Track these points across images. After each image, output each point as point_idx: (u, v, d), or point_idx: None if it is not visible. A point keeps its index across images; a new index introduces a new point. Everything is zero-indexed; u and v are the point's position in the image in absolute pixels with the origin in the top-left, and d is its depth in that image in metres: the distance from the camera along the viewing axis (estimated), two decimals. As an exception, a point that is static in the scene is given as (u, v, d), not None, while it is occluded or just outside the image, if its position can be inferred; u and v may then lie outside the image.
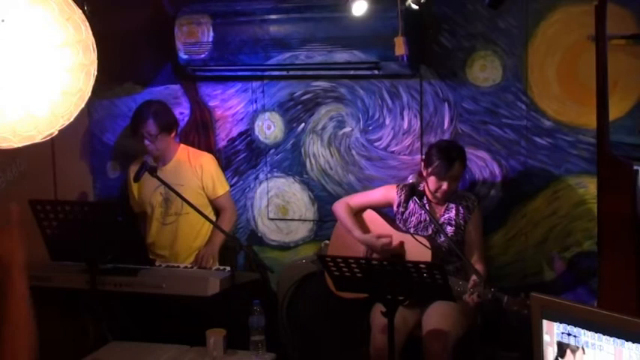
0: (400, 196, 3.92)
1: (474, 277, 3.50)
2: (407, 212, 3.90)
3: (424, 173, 3.78)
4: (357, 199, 4.07)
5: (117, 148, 4.71)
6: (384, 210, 4.05)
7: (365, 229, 3.96)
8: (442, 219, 3.82)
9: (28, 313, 1.91)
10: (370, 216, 4.02)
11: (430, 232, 3.83)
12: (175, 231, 4.26)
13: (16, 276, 1.90)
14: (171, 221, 4.26)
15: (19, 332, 1.90)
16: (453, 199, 3.84)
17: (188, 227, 4.26)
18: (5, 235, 1.95)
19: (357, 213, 4.03)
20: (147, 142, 4.11)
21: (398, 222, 3.93)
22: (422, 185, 3.77)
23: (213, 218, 4.26)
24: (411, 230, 3.86)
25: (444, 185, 3.72)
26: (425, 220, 3.83)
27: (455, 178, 3.74)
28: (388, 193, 3.98)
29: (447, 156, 3.70)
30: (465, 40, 4.08)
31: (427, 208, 3.75)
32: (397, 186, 3.97)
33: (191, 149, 4.36)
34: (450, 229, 3.79)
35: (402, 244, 3.78)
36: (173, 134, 4.23)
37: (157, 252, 4.25)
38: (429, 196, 3.79)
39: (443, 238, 3.78)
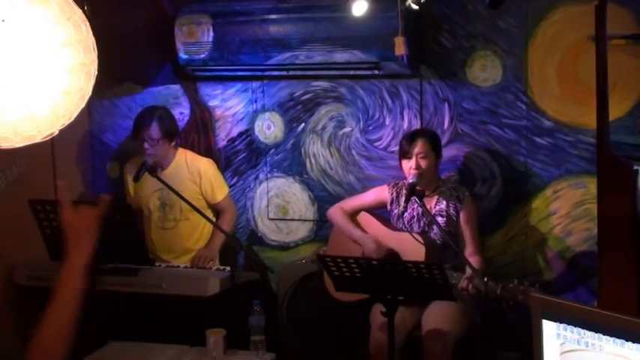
0: (392, 194, 3.95)
1: (468, 269, 3.51)
2: (400, 209, 3.91)
3: (400, 163, 3.88)
4: (351, 203, 4.09)
5: (118, 149, 4.72)
6: (377, 211, 4.06)
7: (362, 231, 3.98)
8: (433, 211, 3.84)
9: (79, 290, 1.95)
10: (364, 218, 4.03)
11: (422, 225, 3.84)
12: (176, 235, 4.26)
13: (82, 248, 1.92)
14: (171, 226, 4.26)
15: (65, 310, 1.93)
16: (442, 191, 3.86)
17: (189, 231, 4.26)
18: (82, 209, 1.94)
19: (352, 216, 4.04)
20: (146, 145, 4.09)
21: (392, 220, 3.95)
22: (410, 178, 3.79)
23: (213, 219, 4.26)
24: (405, 226, 3.88)
25: (412, 163, 3.77)
26: (417, 214, 3.85)
27: (422, 155, 3.78)
28: (380, 193, 4.01)
29: (408, 136, 3.87)
30: (465, 40, 4.08)
31: (423, 202, 3.74)
32: (388, 185, 4.00)
33: (189, 153, 4.34)
34: (441, 220, 3.80)
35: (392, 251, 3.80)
36: (173, 143, 4.22)
37: (158, 255, 4.24)
38: (409, 182, 3.80)
39: (436, 231, 3.79)
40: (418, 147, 3.79)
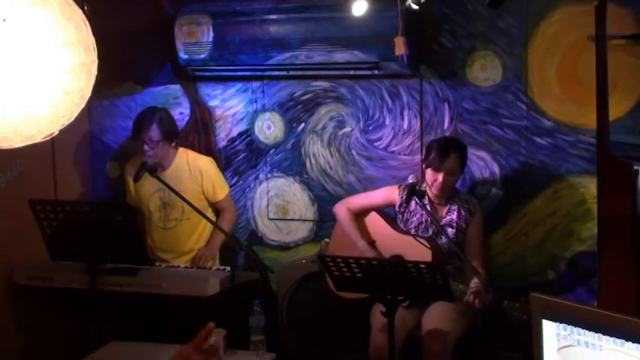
0: (402, 196, 3.92)
1: (475, 280, 3.49)
2: (408, 213, 3.90)
3: (423, 166, 3.85)
4: (358, 201, 4.06)
5: (118, 149, 4.72)
6: (385, 210, 4.06)
7: (366, 231, 3.97)
8: (444, 220, 3.83)
9: None
10: (371, 217, 4.02)
11: (431, 233, 3.83)
12: (176, 235, 4.26)
13: None
14: (172, 226, 4.26)
15: None
16: (455, 201, 3.85)
17: (190, 230, 4.26)
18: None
19: (358, 216, 4.03)
20: (146, 147, 4.09)
21: (399, 222, 3.93)
22: (424, 185, 3.82)
23: (214, 219, 4.26)
24: (412, 231, 3.86)
25: (440, 178, 3.74)
26: (426, 220, 3.84)
27: (450, 172, 3.75)
28: (390, 193, 3.98)
29: (442, 149, 3.76)
30: (465, 40, 4.08)
31: (428, 208, 3.75)
32: (399, 186, 3.97)
33: (190, 153, 4.34)
34: (450, 231, 3.79)
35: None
36: (173, 144, 4.22)
37: (158, 255, 4.25)
38: (429, 192, 3.80)
39: (444, 240, 3.78)
40: (450, 163, 3.73)
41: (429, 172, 3.79)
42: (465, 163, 3.85)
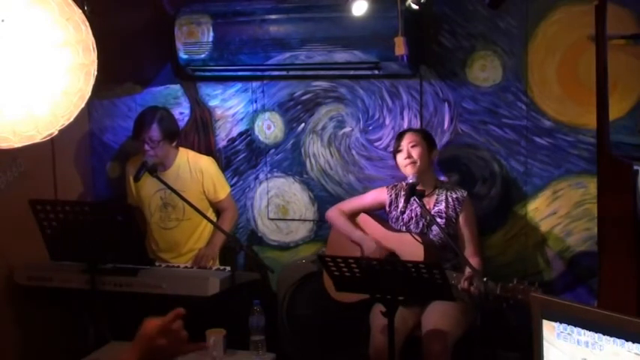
0: (391, 195, 3.96)
1: (467, 269, 3.51)
2: (398, 211, 3.91)
3: (395, 162, 3.94)
4: (349, 204, 4.10)
5: (118, 149, 4.72)
6: (375, 213, 4.07)
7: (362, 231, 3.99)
8: (432, 212, 3.84)
9: None
10: (362, 219, 4.04)
11: (421, 226, 3.84)
12: (177, 235, 4.26)
13: None
14: (173, 226, 4.26)
15: None
16: (442, 191, 3.87)
17: (190, 231, 4.26)
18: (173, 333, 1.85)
19: (350, 218, 4.05)
20: (147, 147, 4.09)
21: (390, 221, 3.95)
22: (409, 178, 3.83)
23: (214, 219, 4.26)
24: (403, 228, 3.88)
25: (404, 153, 3.83)
26: (416, 215, 3.85)
27: (413, 143, 3.84)
28: (379, 195, 4.02)
29: (398, 133, 3.99)
30: (465, 40, 4.08)
31: (423, 202, 3.75)
32: (387, 187, 4.02)
33: (190, 153, 4.34)
34: (440, 221, 3.80)
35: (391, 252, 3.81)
36: (174, 143, 4.23)
37: (158, 255, 4.25)
38: (408, 171, 3.84)
39: (435, 232, 3.79)
40: (407, 138, 3.87)
41: (398, 158, 3.89)
42: (429, 138, 3.93)
